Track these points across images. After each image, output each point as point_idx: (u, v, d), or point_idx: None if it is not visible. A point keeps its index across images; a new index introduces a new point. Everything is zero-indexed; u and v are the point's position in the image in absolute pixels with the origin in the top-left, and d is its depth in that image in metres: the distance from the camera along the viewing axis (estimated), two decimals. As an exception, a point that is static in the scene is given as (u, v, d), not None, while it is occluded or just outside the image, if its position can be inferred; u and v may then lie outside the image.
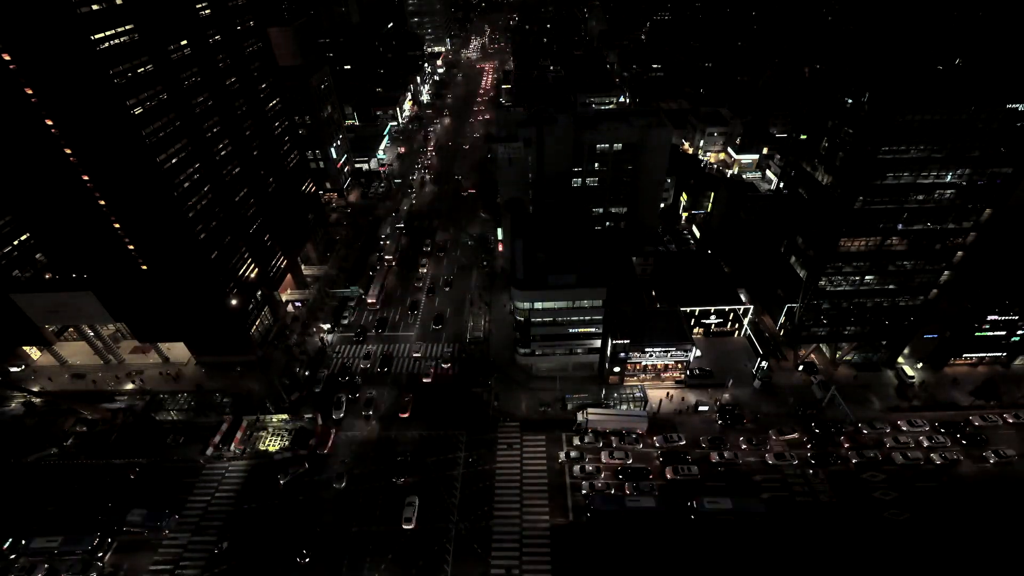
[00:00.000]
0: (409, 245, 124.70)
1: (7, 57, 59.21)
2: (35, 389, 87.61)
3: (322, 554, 64.36)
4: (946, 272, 79.53)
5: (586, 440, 77.19)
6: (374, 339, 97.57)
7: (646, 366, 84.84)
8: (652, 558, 63.50)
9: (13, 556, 65.13)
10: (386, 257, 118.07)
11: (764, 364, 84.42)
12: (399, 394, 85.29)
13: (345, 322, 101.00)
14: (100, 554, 64.73)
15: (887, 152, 67.32)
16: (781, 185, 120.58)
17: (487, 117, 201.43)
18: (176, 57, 74.24)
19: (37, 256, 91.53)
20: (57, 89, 61.52)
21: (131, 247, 75.87)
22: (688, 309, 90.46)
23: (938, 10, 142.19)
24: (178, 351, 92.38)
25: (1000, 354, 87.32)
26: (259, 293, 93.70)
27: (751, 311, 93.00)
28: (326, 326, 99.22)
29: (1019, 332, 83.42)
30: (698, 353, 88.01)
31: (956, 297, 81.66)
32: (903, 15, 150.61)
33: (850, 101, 72.02)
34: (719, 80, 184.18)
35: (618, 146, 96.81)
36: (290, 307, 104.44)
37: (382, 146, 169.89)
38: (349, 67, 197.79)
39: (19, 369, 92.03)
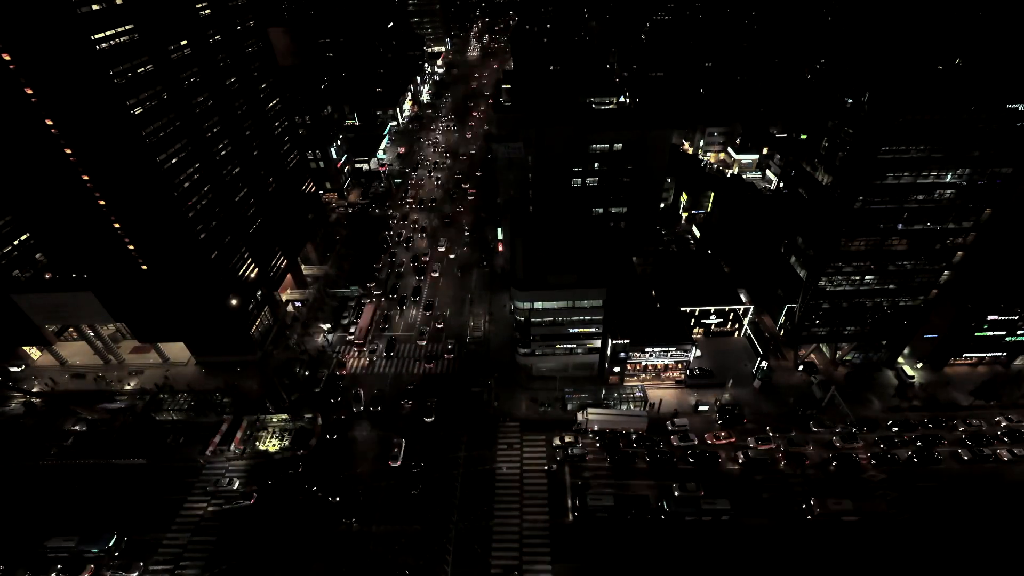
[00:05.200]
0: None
1: (7, 57, 59.21)
2: (35, 389, 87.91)
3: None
4: (946, 272, 79.55)
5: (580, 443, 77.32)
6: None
7: (646, 366, 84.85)
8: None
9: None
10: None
11: (764, 364, 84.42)
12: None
13: (345, 322, 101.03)
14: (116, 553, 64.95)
15: (887, 152, 67.31)
16: (781, 185, 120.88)
17: (487, 117, 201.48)
18: (176, 57, 74.21)
19: (37, 256, 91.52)
20: (57, 89, 61.50)
21: (131, 247, 75.85)
22: (688, 309, 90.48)
23: (938, 10, 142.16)
24: (178, 351, 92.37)
25: (1000, 354, 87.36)
26: (259, 293, 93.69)
27: (751, 311, 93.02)
28: (326, 326, 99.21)
29: (1019, 332, 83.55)
30: (698, 353, 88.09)
31: (956, 297, 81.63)
32: (903, 15, 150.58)
33: (850, 101, 72.00)
34: (719, 80, 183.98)
35: (618, 146, 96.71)
36: (290, 307, 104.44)
37: (382, 146, 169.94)
38: (349, 67, 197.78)
39: (19, 369, 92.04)
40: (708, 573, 62.35)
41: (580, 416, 78.29)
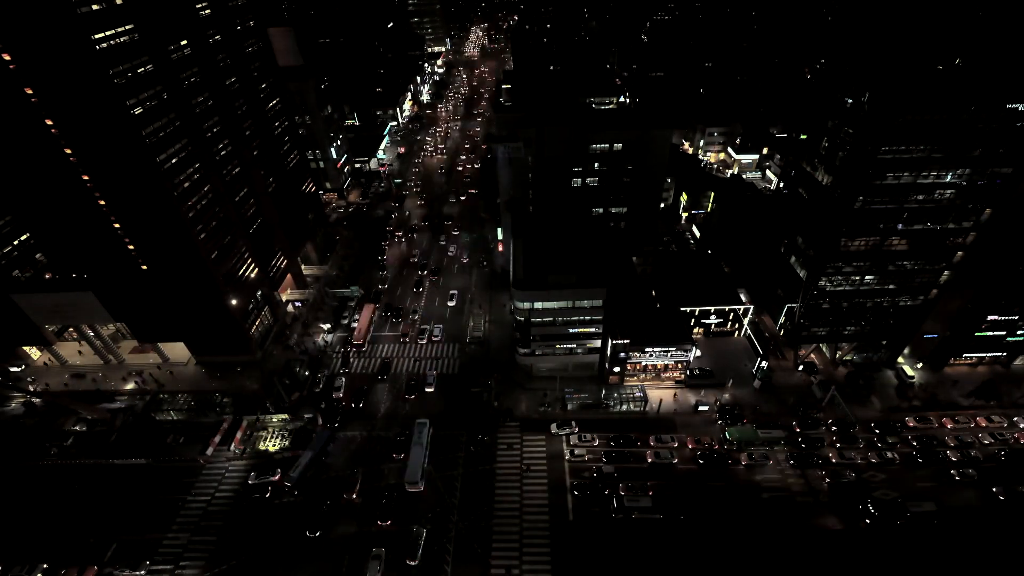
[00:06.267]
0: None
1: (7, 57, 59.22)
2: (33, 389, 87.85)
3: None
4: (946, 272, 79.54)
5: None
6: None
7: (646, 366, 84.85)
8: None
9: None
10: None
11: (764, 364, 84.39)
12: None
13: (345, 322, 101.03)
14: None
15: (887, 152, 67.30)
16: (781, 185, 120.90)
17: (487, 116, 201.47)
18: (176, 57, 74.22)
19: (37, 256, 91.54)
20: (57, 89, 61.51)
21: (131, 247, 75.88)
22: (688, 309, 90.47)
23: (938, 10, 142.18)
24: (178, 351, 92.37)
25: (1000, 354, 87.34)
26: (259, 293, 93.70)
27: (751, 311, 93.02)
28: (326, 326, 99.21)
29: (1019, 332, 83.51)
30: (698, 353, 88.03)
31: (956, 297, 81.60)
32: (903, 15, 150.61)
33: (850, 101, 72.00)
34: (719, 80, 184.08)
35: (618, 146, 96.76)
36: (290, 307, 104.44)
37: (382, 146, 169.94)
38: (349, 67, 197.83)
39: (19, 369, 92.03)
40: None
41: None
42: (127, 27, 64.56)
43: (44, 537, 66.88)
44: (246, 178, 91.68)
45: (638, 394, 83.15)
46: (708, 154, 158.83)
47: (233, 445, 77.27)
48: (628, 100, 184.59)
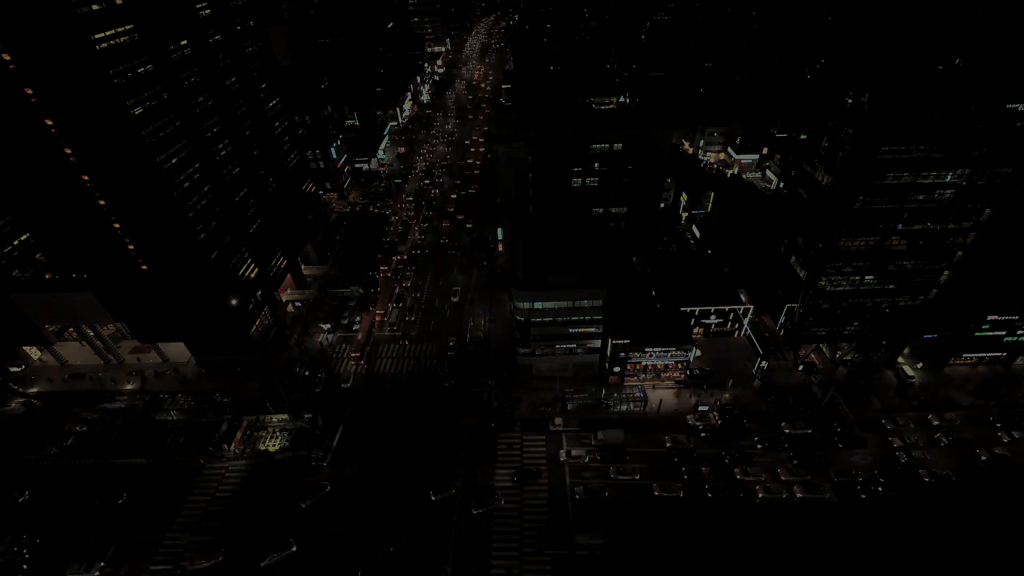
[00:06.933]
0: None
1: (7, 57, 59.18)
2: (34, 390, 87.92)
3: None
4: (946, 272, 79.54)
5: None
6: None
7: (646, 366, 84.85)
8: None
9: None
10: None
11: (764, 364, 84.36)
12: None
13: (345, 322, 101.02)
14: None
15: (887, 152, 67.34)
16: (781, 185, 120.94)
17: (487, 116, 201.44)
18: (176, 57, 74.21)
19: (37, 256, 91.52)
20: (57, 89, 61.49)
21: (131, 247, 75.83)
22: (688, 309, 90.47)
23: (938, 10, 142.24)
24: (178, 351, 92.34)
25: (1000, 354, 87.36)
26: (259, 293, 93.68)
27: (751, 311, 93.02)
28: (326, 326, 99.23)
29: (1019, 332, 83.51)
30: (698, 353, 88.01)
31: (956, 297, 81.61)
32: (903, 15, 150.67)
33: (850, 101, 72.03)
34: (719, 80, 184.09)
35: (618, 146, 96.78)
36: (290, 307, 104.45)
37: (382, 146, 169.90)
38: (349, 67, 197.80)
39: (19, 369, 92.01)
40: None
41: None
42: (127, 27, 64.54)
43: (44, 537, 66.92)
44: (246, 178, 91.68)
45: (638, 394, 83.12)
46: (708, 154, 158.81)
47: (233, 445, 77.25)
48: (628, 100, 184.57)
